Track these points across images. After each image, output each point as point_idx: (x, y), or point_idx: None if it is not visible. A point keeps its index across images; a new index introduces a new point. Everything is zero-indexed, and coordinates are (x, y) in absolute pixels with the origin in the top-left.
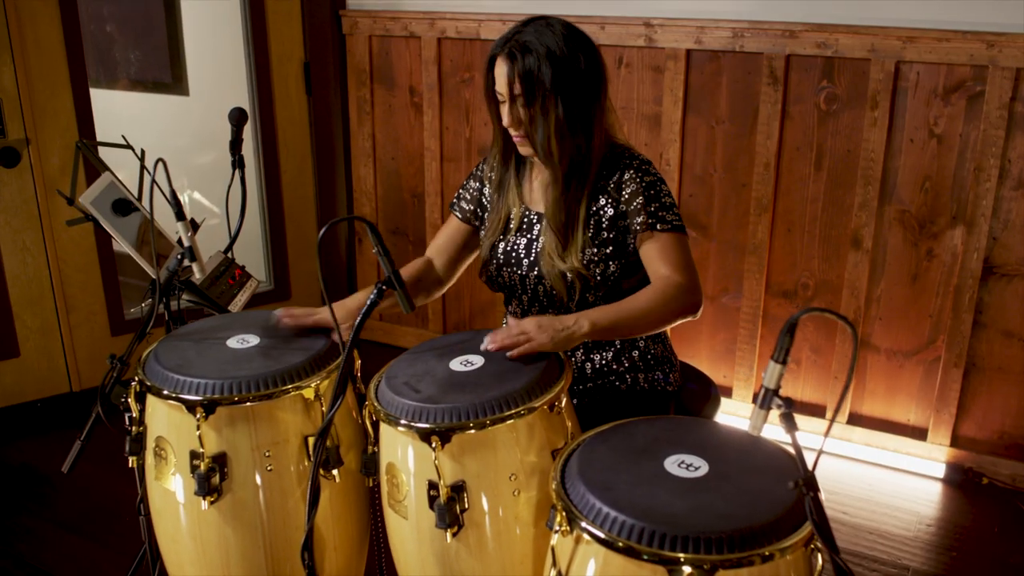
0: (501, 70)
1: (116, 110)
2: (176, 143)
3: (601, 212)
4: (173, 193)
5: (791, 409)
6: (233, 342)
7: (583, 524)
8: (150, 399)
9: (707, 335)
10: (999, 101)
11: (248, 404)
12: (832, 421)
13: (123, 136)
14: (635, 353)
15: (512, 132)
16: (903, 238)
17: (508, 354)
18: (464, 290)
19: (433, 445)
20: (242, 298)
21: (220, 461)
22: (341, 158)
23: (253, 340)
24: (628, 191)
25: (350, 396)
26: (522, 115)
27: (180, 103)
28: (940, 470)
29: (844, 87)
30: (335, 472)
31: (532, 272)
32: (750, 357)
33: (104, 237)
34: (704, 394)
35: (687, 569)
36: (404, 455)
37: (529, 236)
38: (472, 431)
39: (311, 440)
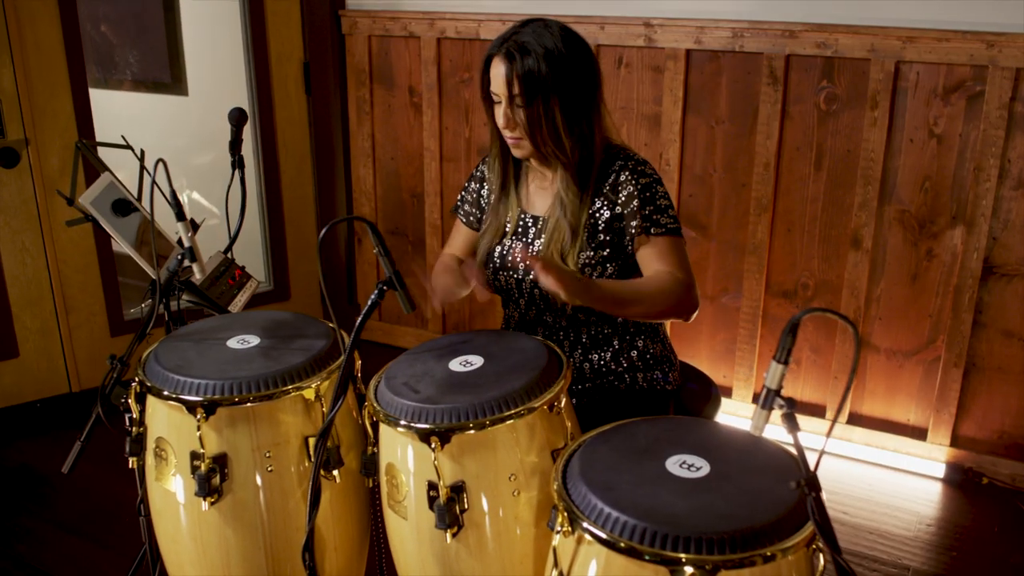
0: (498, 70)
1: (115, 110)
2: (175, 143)
3: (598, 214)
4: (173, 193)
5: (793, 409)
6: (233, 343)
7: (585, 524)
8: (150, 400)
9: (707, 335)
10: (999, 101)
11: (248, 405)
12: (834, 422)
13: (122, 136)
14: (634, 353)
15: (507, 133)
16: (903, 238)
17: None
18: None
19: (432, 445)
20: (242, 298)
21: (220, 462)
22: (340, 158)
23: (253, 340)
24: (624, 193)
25: (350, 396)
26: (519, 116)
27: (179, 103)
28: (940, 470)
29: (844, 87)
30: (335, 473)
31: (528, 276)
32: (750, 357)
33: (103, 238)
34: (704, 394)
35: (689, 569)
36: (404, 455)
37: (525, 240)
38: (472, 431)
39: (311, 441)
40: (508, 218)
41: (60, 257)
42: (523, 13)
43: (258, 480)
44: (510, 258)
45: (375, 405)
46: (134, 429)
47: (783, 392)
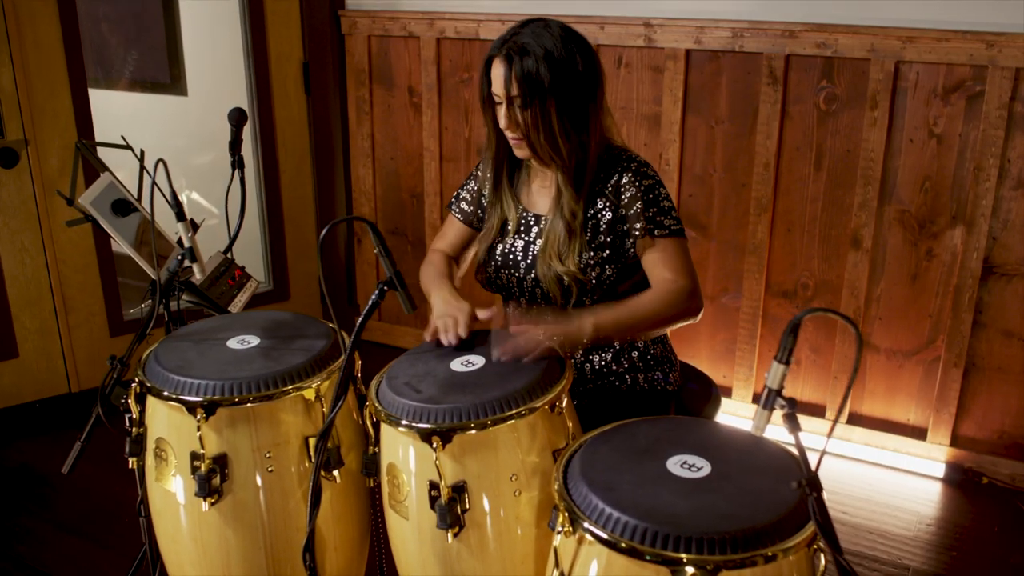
0: (498, 72)
1: (114, 110)
2: (174, 143)
3: (599, 216)
4: (173, 194)
5: (794, 409)
6: (233, 343)
7: (586, 525)
8: (150, 400)
9: (707, 335)
10: (999, 101)
11: (249, 405)
12: (835, 422)
13: (122, 136)
14: (635, 353)
15: (509, 134)
16: (903, 238)
17: (524, 360)
18: (462, 290)
19: (434, 445)
20: (242, 299)
21: (221, 462)
22: (340, 158)
23: (253, 341)
24: (627, 195)
25: (350, 397)
26: (519, 117)
27: (178, 103)
28: (940, 470)
29: (844, 87)
30: (336, 473)
31: (529, 275)
32: (750, 357)
33: (103, 238)
34: (705, 394)
35: (690, 570)
36: (405, 455)
37: (527, 238)
38: (473, 431)
39: (312, 441)
40: (509, 217)
41: (59, 257)
42: (523, 13)
43: (258, 480)
44: (502, 351)
45: (377, 405)
46: (134, 429)
47: (784, 392)
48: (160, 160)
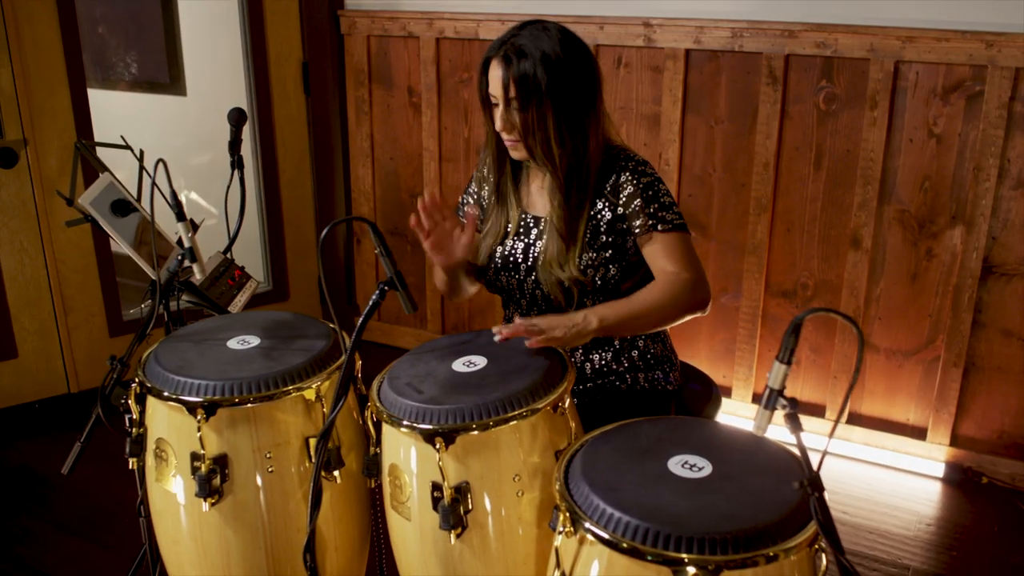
0: (496, 73)
1: (113, 110)
2: (173, 143)
3: (599, 216)
4: (173, 194)
5: (796, 410)
6: (233, 343)
7: (587, 525)
8: (150, 400)
9: (706, 335)
10: (998, 101)
11: (249, 405)
12: (837, 422)
13: (121, 136)
14: (635, 352)
15: (505, 136)
16: (902, 238)
17: (527, 342)
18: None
19: (437, 446)
20: (242, 299)
21: (221, 463)
22: (339, 158)
23: (253, 341)
24: (626, 193)
25: (351, 397)
26: (516, 119)
27: (177, 103)
28: (940, 469)
29: (843, 87)
30: (336, 473)
31: (530, 277)
32: (749, 357)
33: (102, 238)
34: (706, 394)
35: (691, 570)
36: (407, 456)
37: (527, 240)
38: (475, 432)
39: (312, 441)
40: (509, 218)
41: (59, 257)
42: (522, 13)
43: (259, 481)
44: (504, 334)
45: (378, 405)
46: (134, 430)
47: (785, 392)
48: (160, 160)
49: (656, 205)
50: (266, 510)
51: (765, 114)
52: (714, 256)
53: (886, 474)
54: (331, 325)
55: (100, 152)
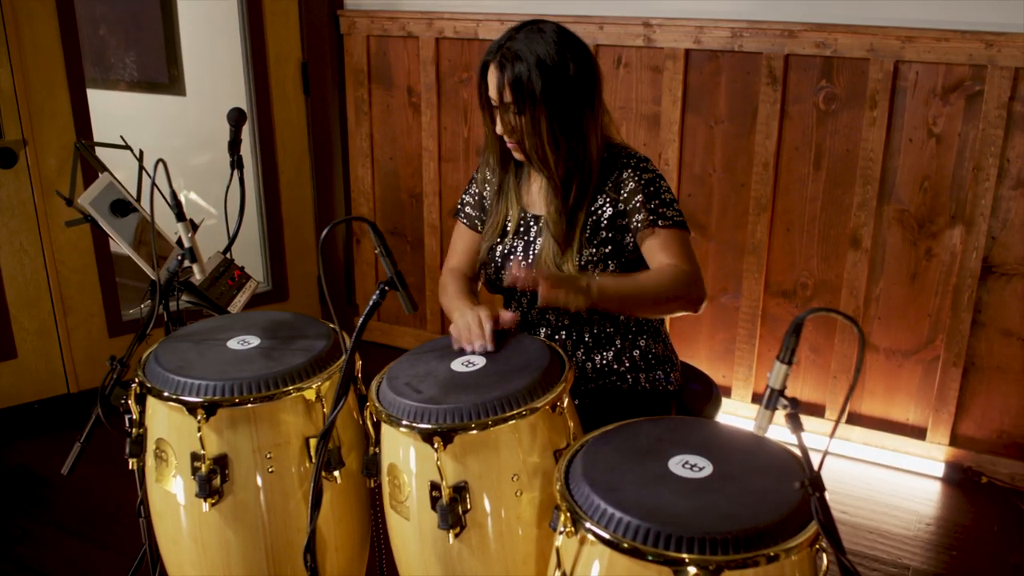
0: (493, 78)
1: (112, 111)
2: (173, 144)
3: (600, 212)
4: (173, 194)
5: (797, 410)
6: (234, 343)
7: (588, 525)
8: (150, 401)
9: (706, 335)
10: (998, 101)
11: (249, 406)
12: (837, 422)
13: (121, 137)
14: (636, 353)
15: (506, 138)
16: (902, 237)
17: (512, 267)
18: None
19: (435, 446)
20: (241, 299)
21: (221, 463)
22: (339, 158)
23: (254, 341)
24: (627, 189)
25: (351, 397)
26: (514, 122)
27: (177, 103)
28: (939, 469)
29: (843, 87)
30: (336, 473)
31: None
32: (749, 357)
33: (101, 238)
34: (706, 394)
35: (692, 570)
36: (406, 456)
37: (527, 239)
38: (474, 432)
39: (312, 441)
40: (509, 217)
41: (58, 258)
42: (522, 13)
43: (259, 481)
44: (508, 278)
45: (377, 405)
46: (134, 430)
47: (785, 392)
48: (160, 160)
49: (657, 201)
50: (266, 510)
51: (765, 114)
52: (714, 256)
53: (886, 474)
54: (331, 325)
55: (100, 152)
